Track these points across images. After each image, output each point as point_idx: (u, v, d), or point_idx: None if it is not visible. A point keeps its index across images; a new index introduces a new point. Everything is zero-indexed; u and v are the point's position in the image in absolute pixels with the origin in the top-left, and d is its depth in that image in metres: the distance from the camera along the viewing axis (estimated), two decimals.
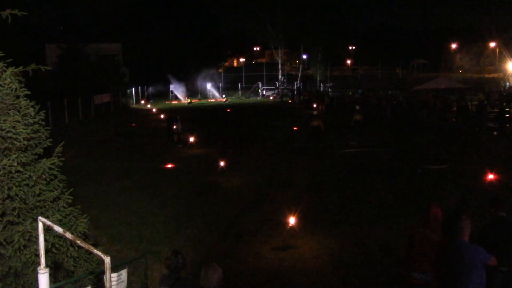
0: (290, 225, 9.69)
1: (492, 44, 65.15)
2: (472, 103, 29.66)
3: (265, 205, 12.22)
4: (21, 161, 5.16)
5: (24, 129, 5.20)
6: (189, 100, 45.41)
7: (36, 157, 5.55)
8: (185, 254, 5.26)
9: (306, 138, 22.25)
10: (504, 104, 29.50)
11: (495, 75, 59.19)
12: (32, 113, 5.43)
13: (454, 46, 72.35)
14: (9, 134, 5.11)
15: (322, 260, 8.78)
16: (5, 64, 5.33)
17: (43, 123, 5.63)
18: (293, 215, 9.84)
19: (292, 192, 13.29)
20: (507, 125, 22.89)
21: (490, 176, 13.04)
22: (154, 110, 37.96)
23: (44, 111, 5.66)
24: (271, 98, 50.51)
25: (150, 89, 49.07)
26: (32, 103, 5.47)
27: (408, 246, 6.40)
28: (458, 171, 15.39)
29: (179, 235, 10.19)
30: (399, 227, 10.08)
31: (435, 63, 72.38)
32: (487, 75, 61.18)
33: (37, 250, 4.89)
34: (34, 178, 5.34)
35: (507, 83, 44.92)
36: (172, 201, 12.72)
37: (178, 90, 49.32)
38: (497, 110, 25.66)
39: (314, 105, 36.29)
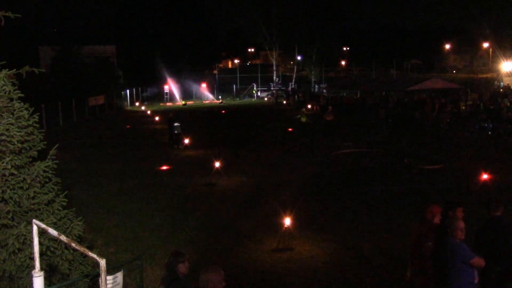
0: (285, 226, 9.68)
1: (486, 45, 65.44)
2: (466, 103, 29.75)
3: (260, 206, 12.21)
4: (15, 164, 5.14)
5: (18, 131, 5.18)
6: (183, 102, 45.33)
7: (30, 159, 5.52)
8: (181, 257, 5.24)
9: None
10: (499, 100, 29.53)
11: (489, 75, 59.44)
12: (26, 116, 5.40)
13: (447, 46, 72.71)
14: (3, 137, 5.08)
15: (318, 261, 8.78)
16: None
17: (37, 125, 5.61)
18: (289, 216, 9.83)
19: (288, 193, 13.29)
20: (501, 125, 22.98)
21: (484, 176, 13.09)
22: (148, 112, 37.87)
23: (38, 113, 5.64)
24: (266, 99, 50.53)
25: (145, 91, 48.99)
26: (26, 106, 5.45)
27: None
28: (453, 171, 15.46)
29: (175, 237, 10.16)
30: (395, 228, 10.11)
31: (429, 64, 72.67)
32: (480, 75, 61.42)
33: (32, 253, 4.86)
34: (28, 181, 5.31)
35: (501, 83, 45.16)
36: (167, 203, 12.69)
37: (172, 92, 49.25)
38: (490, 109, 25.75)
39: (309, 106, 36.35)
